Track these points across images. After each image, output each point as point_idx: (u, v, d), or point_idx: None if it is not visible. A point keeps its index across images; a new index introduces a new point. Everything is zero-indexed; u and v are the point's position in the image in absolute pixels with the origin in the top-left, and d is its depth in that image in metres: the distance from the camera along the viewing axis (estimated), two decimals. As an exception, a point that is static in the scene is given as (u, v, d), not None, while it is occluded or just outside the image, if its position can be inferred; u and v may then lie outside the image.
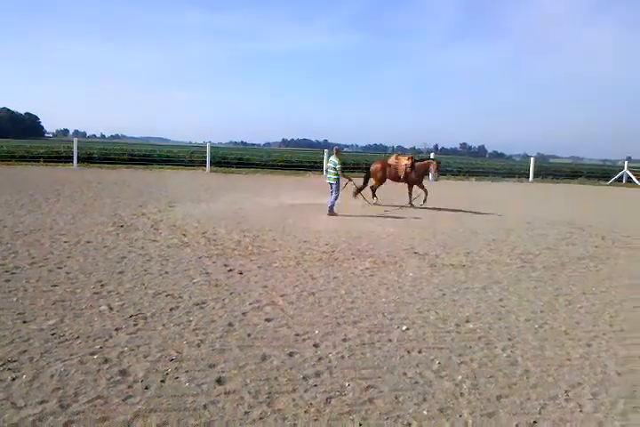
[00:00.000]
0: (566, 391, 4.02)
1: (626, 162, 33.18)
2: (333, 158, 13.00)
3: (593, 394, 4.00)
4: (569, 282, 7.28)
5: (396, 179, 15.20)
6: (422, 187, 15.04)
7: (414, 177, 14.93)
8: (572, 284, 7.18)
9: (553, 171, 34.42)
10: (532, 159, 32.17)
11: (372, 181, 15.54)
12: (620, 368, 4.49)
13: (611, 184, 30.82)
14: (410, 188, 15.26)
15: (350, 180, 13.35)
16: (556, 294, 6.67)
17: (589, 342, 5.05)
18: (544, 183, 29.57)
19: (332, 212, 12.76)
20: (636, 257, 9.20)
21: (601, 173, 34.53)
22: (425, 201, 15.00)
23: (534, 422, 3.55)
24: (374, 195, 15.57)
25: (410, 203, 15.14)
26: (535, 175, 31.02)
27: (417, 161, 15.14)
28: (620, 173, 31.75)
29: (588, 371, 4.41)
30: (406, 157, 15.29)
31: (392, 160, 15.27)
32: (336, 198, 12.83)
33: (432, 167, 14.74)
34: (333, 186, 12.85)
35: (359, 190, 15.13)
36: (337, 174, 12.82)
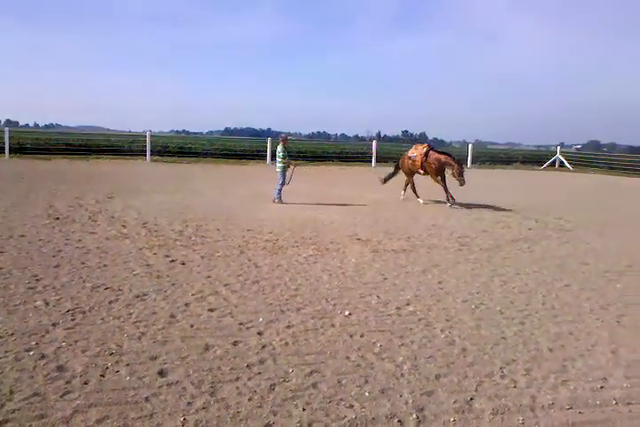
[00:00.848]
0: (501, 368, 4.20)
1: (558, 147, 34.57)
2: (279, 147, 13.03)
3: (526, 370, 4.19)
4: (504, 263, 7.56)
5: (418, 171, 13.70)
6: (440, 182, 13.46)
7: (434, 168, 13.20)
8: (507, 265, 7.47)
9: (490, 157, 35.46)
10: (469, 146, 33.00)
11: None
12: (551, 345, 4.72)
13: (544, 169, 32.06)
14: (442, 181, 13.50)
15: (295, 165, 13.41)
16: (491, 275, 6.93)
17: (523, 321, 5.28)
18: (481, 169, 30.41)
19: (279, 199, 12.83)
20: (566, 239, 9.65)
21: (535, 159, 35.82)
22: (450, 201, 13.33)
23: (471, 398, 3.70)
24: (404, 190, 14.37)
25: (448, 199, 13.34)
26: (473, 161, 31.85)
27: (434, 150, 13.46)
28: (553, 158, 33.09)
29: (522, 348, 4.62)
30: (422, 146, 13.91)
31: (411, 151, 13.84)
32: (282, 185, 12.88)
33: (455, 170, 12.87)
34: (279, 174, 12.89)
35: (385, 180, 14.63)
36: (283, 163, 12.88)
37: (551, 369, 4.23)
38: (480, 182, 21.88)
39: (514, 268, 7.33)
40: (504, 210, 12.92)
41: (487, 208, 13.11)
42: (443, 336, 4.78)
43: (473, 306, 5.66)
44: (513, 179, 24.36)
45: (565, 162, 32.16)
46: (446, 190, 13.33)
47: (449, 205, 13.18)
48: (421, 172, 13.58)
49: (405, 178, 14.33)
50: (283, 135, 13.48)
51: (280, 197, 12.89)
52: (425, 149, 13.56)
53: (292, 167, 13.20)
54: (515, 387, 3.91)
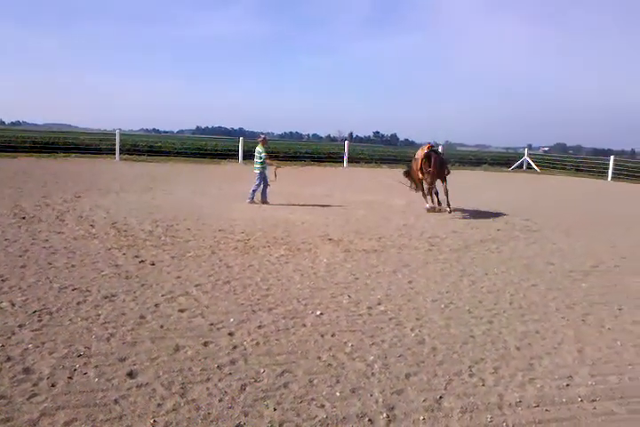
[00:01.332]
0: (470, 367, 4.27)
1: (526, 149, 35.23)
2: (259, 148, 12.91)
3: (494, 368, 4.27)
4: (473, 263, 7.68)
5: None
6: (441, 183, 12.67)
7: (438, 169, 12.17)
8: (476, 265, 7.59)
9: (460, 158, 35.90)
10: (439, 147, 33.35)
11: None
12: (518, 343, 4.82)
13: (512, 170, 32.60)
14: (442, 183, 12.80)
15: (279, 166, 13.42)
16: (460, 275, 7.03)
17: (491, 320, 5.38)
18: (451, 170, 30.79)
19: (252, 200, 12.77)
20: (533, 239, 9.83)
21: (504, 160, 36.39)
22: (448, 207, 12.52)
23: (440, 397, 3.75)
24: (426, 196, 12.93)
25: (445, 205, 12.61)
26: (444, 162, 32.20)
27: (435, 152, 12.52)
28: (521, 159, 33.67)
29: (490, 347, 4.70)
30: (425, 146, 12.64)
31: (418, 154, 12.65)
32: (259, 186, 12.79)
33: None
34: (259, 175, 12.76)
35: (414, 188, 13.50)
36: (263, 163, 12.77)
37: (518, 367, 4.32)
38: (450, 184, 22.12)
39: (482, 268, 7.45)
40: (473, 211, 13.10)
41: (457, 209, 13.27)
42: (413, 335, 4.84)
43: (442, 305, 5.73)
44: (481, 180, 24.70)
45: (533, 164, 32.76)
46: (445, 194, 12.57)
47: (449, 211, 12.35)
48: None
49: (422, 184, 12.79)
50: (262, 135, 13.43)
51: (253, 197, 12.81)
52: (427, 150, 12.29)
53: (274, 166, 13.13)
54: (483, 385, 3.98)
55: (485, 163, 35.38)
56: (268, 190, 12.93)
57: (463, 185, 21.21)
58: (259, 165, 12.79)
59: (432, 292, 6.20)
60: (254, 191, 12.83)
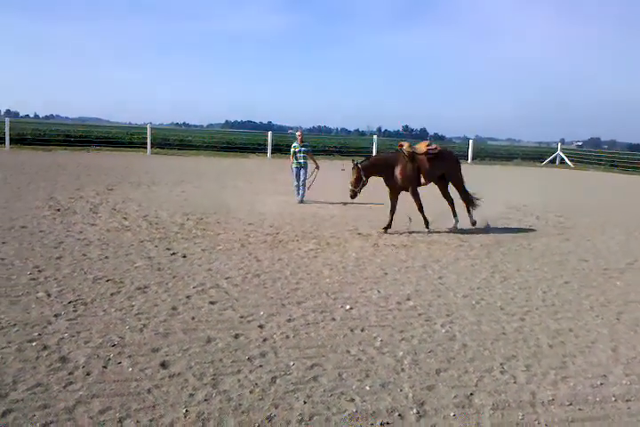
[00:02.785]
0: (501, 364, 4.22)
1: (559, 144, 34.53)
2: (298, 144, 12.36)
3: (526, 366, 4.21)
4: (504, 260, 7.58)
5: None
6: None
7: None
8: (507, 261, 7.48)
9: (491, 153, 35.45)
10: (470, 142, 32.95)
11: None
12: (551, 341, 4.73)
13: (545, 165, 32.04)
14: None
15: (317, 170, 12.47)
16: (491, 271, 6.94)
17: (523, 317, 5.30)
18: (482, 165, 30.40)
19: (302, 198, 12.29)
20: (566, 235, 9.65)
21: (536, 155, 35.81)
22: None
23: (471, 394, 3.71)
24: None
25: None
26: (474, 157, 31.83)
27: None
28: (554, 154, 33.04)
29: (522, 344, 4.64)
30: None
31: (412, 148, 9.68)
32: (303, 182, 12.28)
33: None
34: (302, 171, 12.26)
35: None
36: (305, 159, 12.29)
37: (551, 365, 4.25)
38: (480, 178, 21.88)
39: (514, 264, 7.34)
40: (504, 206, 12.92)
41: (487, 203, 13.09)
42: (443, 331, 4.80)
43: (473, 302, 5.67)
44: (513, 175, 24.35)
45: (566, 159, 32.14)
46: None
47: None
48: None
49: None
50: (299, 130, 13.13)
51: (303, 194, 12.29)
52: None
53: (316, 171, 12.39)
54: (515, 383, 3.92)
55: (517, 158, 34.86)
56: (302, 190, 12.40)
57: (494, 180, 20.95)
58: (303, 161, 12.30)
59: (463, 288, 6.14)
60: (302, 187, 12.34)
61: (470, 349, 4.47)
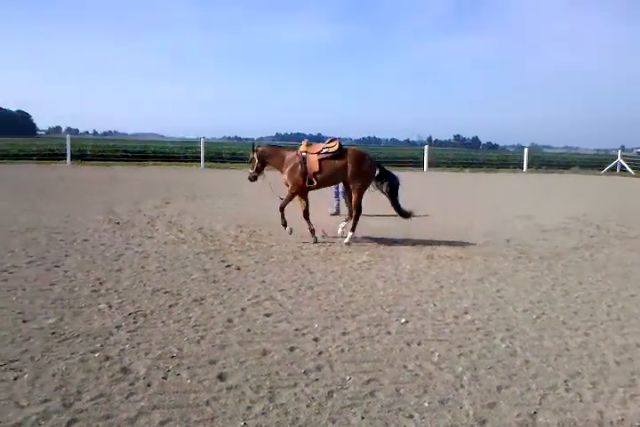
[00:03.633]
0: (566, 381, 4.05)
1: (619, 151, 33.30)
2: None
3: (592, 383, 4.03)
4: (565, 272, 7.32)
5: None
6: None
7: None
8: (569, 274, 7.22)
9: (547, 161, 34.54)
10: (525, 150, 32.20)
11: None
12: (618, 357, 4.52)
13: (605, 173, 30.93)
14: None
15: None
16: (552, 284, 6.71)
17: (587, 332, 5.08)
18: (538, 173, 29.64)
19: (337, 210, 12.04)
20: (630, 246, 9.25)
21: (595, 163, 34.65)
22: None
23: (535, 412, 3.57)
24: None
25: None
26: (529, 166, 31.09)
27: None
28: (614, 162, 31.87)
29: (587, 360, 4.44)
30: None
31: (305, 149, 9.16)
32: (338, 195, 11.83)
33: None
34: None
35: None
36: None
37: (619, 383, 4.05)
38: (536, 187, 21.34)
39: (576, 277, 7.08)
40: (563, 216, 12.52)
41: (545, 215, 12.74)
42: (503, 347, 4.65)
43: (534, 316, 5.49)
44: (571, 184, 23.60)
45: (627, 166, 30.93)
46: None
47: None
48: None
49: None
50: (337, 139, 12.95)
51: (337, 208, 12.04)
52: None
53: None
54: (581, 401, 3.76)
55: (575, 165, 33.82)
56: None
57: (551, 189, 20.38)
58: None
59: (522, 301, 5.96)
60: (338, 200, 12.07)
61: (532, 365, 4.31)
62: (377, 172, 9.08)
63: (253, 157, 9.40)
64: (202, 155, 26.87)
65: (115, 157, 28.67)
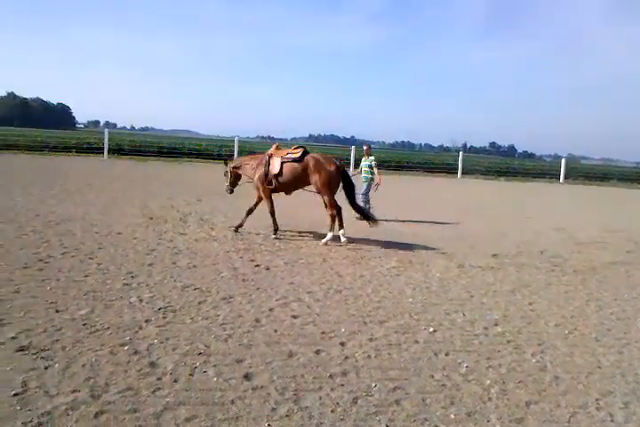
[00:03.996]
0: (597, 400, 3.94)
1: (661, 165, 32.42)
2: (369, 158, 12.10)
3: (624, 403, 3.91)
4: (600, 287, 7.14)
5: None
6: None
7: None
8: (604, 289, 7.04)
9: (584, 172, 33.81)
10: (563, 160, 31.61)
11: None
12: (652, 377, 4.39)
13: (644, 187, 30.14)
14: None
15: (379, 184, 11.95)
16: (586, 299, 6.55)
17: (621, 350, 4.95)
18: (575, 185, 29.05)
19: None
20: (669, 264, 8.97)
21: (635, 176, 33.79)
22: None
23: (564, 430, 3.49)
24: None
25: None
26: (566, 176, 30.50)
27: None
28: (655, 176, 31.06)
29: (620, 379, 4.32)
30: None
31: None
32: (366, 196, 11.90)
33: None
34: (367, 184, 11.96)
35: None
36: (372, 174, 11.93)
37: (653, 404, 3.93)
38: (573, 199, 20.92)
39: (611, 292, 6.90)
40: (599, 230, 12.24)
41: (581, 226, 12.48)
42: (534, 361, 4.55)
43: (566, 331, 5.36)
44: (609, 196, 23.06)
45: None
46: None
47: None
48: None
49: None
50: (366, 146, 12.79)
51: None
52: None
53: (378, 184, 11.90)
54: (612, 421, 3.65)
55: (613, 178, 33.05)
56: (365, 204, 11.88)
57: (587, 201, 19.95)
58: (368, 175, 11.99)
59: (555, 316, 5.83)
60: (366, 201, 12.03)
61: (563, 381, 4.21)
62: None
63: (226, 171, 10.12)
64: (235, 153, 27.09)
65: (150, 152, 29.14)
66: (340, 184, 9.10)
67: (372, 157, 12.17)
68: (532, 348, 4.85)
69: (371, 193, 12.02)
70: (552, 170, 33.29)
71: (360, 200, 11.60)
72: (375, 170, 12.00)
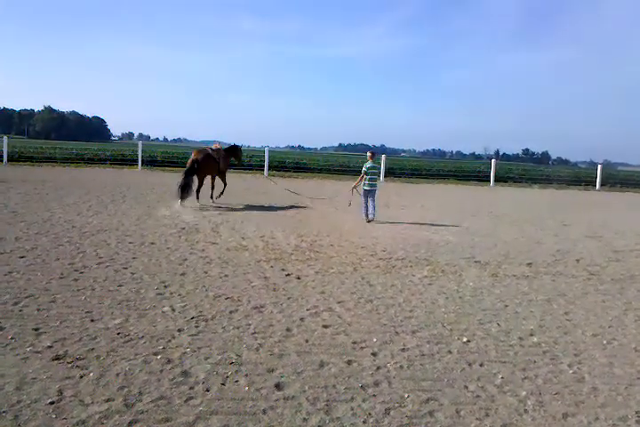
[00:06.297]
0: (637, 413, 3.81)
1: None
2: (373, 163, 12.68)
3: (666, 417, 3.78)
4: (639, 296, 6.93)
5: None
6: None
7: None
8: (643, 299, 6.83)
9: (621, 179, 33.00)
10: (599, 166, 30.93)
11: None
12: (696, 391, 4.23)
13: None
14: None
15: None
16: (624, 308, 6.37)
17: (662, 361, 4.79)
18: (612, 192, 28.38)
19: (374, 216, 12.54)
20: None
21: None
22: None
23: (603, 444, 3.39)
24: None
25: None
26: (602, 183, 29.82)
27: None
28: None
29: (661, 392, 4.18)
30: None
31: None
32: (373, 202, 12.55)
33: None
34: (375, 193, 12.59)
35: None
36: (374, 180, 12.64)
37: (696, 419, 3.78)
38: (610, 206, 20.43)
39: (651, 302, 6.69)
40: (637, 238, 11.91)
41: (618, 234, 12.16)
42: (571, 372, 4.44)
43: (604, 341, 5.21)
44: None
45: None
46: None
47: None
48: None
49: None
50: (370, 151, 13.53)
51: (372, 214, 12.54)
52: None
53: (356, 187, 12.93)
54: (653, 435, 3.53)
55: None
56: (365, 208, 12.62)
57: (626, 209, 19.46)
58: (374, 182, 12.60)
59: (592, 325, 5.68)
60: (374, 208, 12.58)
61: (601, 393, 4.09)
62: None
63: None
64: (266, 163, 27.31)
65: (183, 163, 29.55)
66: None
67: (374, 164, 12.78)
68: (568, 358, 4.72)
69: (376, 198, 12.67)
70: (588, 177, 32.60)
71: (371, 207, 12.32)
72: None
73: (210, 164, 13.79)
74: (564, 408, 3.81)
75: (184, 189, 12.96)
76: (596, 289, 7.19)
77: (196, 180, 13.45)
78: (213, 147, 14.37)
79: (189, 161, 13.47)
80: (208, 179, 14.32)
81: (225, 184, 14.91)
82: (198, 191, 13.70)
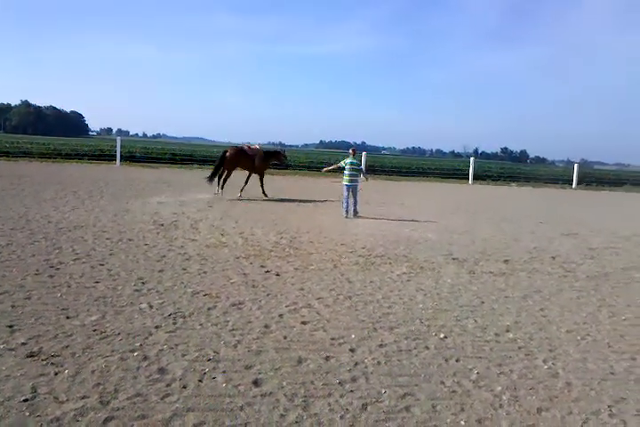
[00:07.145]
0: (609, 407, 3.89)
1: (675, 169, 32.10)
2: (354, 159, 13.16)
3: (638, 410, 3.85)
4: (613, 293, 7.06)
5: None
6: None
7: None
8: (616, 295, 6.96)
9: (597, 178, 33.54)
10: (575, 165, 31.37)
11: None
12: (666, 384, 4.32)
13: (658, 192, 29.82)
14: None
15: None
16: (599, 305, 6.48)
17: (634, 356, 4.88)
18: (587, 190, 28.83)
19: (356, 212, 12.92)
20: (684, 269, 8.86)
21: (649, 181, 33.47)
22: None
23: (576, 437, 3.45)
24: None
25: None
26: (579, 182, 30.27)
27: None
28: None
29: (633, 386, 4.26)
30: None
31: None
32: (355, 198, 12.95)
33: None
34: (357, 188, 12.97)
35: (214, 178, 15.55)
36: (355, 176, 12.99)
37: (667, 412, 3.86)
38: (585, 204, 20.77)
39: (624, 298, 6.81)
40: (612, 235, 12.12)
41: (593, 232, 12.36)
42: (545, 367, 4.50)
43: (579, 337, 5.30)
44: (622, 202, 22.86)
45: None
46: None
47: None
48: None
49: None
50: (353, 147, 13.87)
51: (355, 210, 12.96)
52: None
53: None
54: (625, 429, 3.60)
55: (627, 183, 32.75)
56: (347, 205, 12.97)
57: (600, 207, 19.79)
58: (355, 178, 12.95)
59: (567, 322, 5.77)
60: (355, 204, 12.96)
61: (575, 388, 4.16)
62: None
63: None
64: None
65: (163, 159, 29.33)
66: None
67: (356, 161, 13.27)
68: (543, 354, 4.79)
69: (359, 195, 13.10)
70: (564, 175, 33.08)
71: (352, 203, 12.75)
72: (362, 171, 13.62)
73: (239, 158, 15.39)
74: (539, 403, 3.87)
75: (210, 178, 15.21)
76: (571, 286, 7.31)
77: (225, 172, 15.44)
78: (252, 147, 16.03)
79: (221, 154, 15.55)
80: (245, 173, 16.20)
81: (262, 184, 16.08)
82: (225, 181, 15.45)
